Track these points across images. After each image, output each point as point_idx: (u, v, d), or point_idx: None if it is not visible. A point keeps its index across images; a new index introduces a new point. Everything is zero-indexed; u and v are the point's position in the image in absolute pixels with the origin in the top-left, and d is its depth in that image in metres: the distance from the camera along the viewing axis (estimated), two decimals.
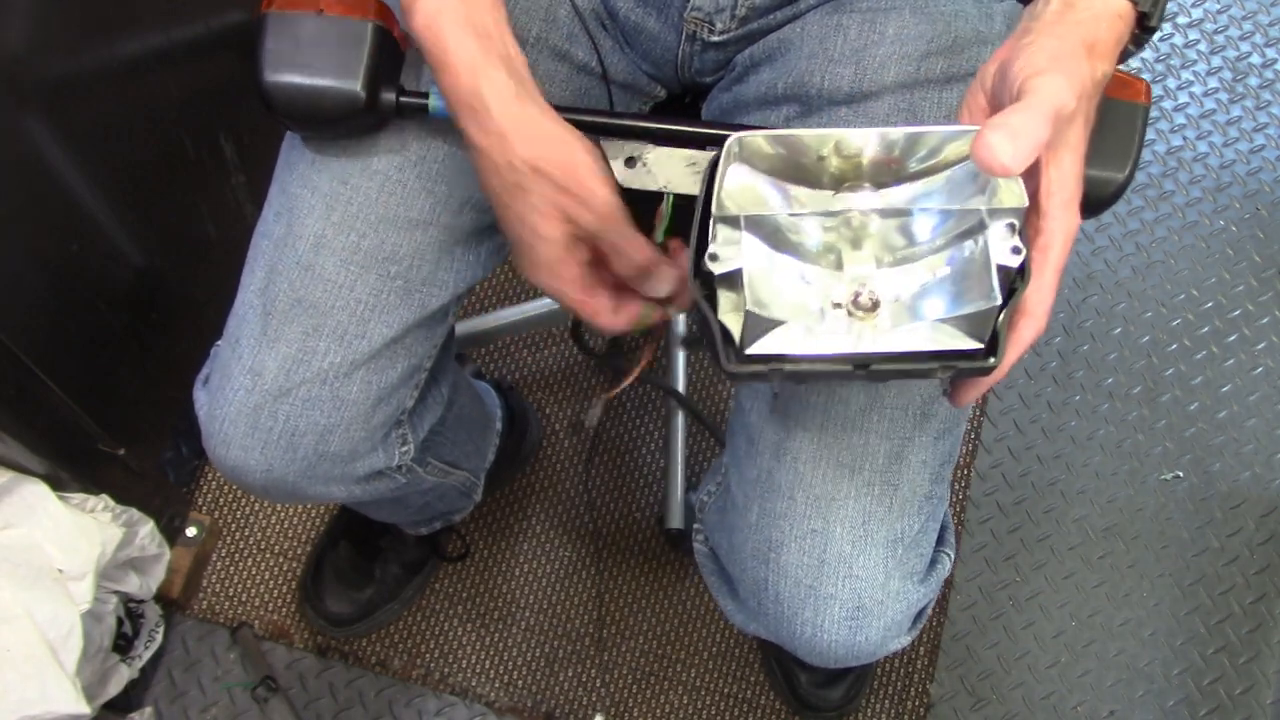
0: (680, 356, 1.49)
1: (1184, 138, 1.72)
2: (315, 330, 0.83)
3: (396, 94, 0.79)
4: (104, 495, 1.19)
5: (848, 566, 0.81)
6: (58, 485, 1.15)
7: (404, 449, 0.92)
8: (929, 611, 0.91)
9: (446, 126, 0.85)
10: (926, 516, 0.85)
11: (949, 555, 0.92)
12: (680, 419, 1.47)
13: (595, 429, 1.53)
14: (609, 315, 0.75)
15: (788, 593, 0.83)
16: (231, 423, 0.85)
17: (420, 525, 1.29)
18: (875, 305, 0.62)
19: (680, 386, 1.49)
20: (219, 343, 0.89)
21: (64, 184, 1.06)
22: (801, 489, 0.81)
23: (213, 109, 1.29)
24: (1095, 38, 0.64)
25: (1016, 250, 0.60)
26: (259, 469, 0.86)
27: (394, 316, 0.85)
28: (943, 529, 0.91)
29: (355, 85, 0.77)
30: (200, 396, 0.89)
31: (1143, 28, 0.67)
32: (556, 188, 0.70)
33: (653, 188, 0.78)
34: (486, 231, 0.89)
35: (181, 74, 1.21)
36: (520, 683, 1.43)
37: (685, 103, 0.99)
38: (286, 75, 0.77)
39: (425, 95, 0.78)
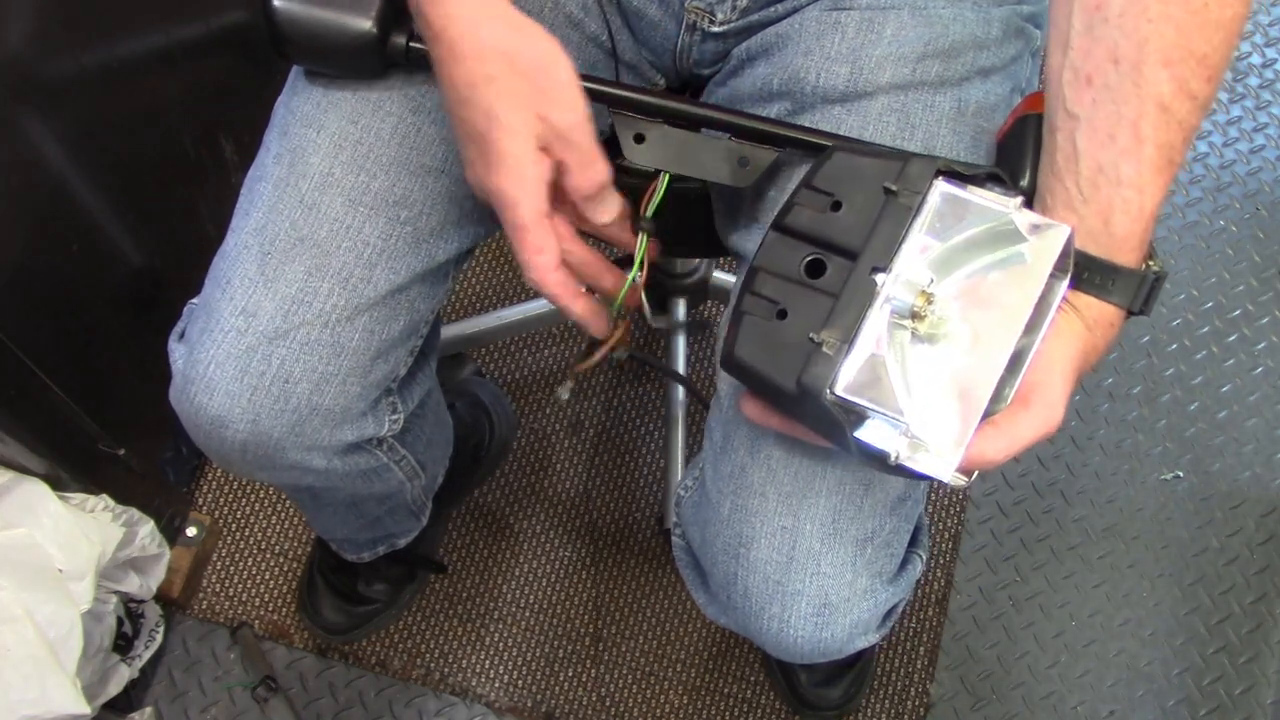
0: (681, 343, 1.47)
1: None
2: (318, 270, 0.80)
3: (408, 38, 0.76)
4: (104, 495, 1.19)
5: (816, 563, 0.81)
6: (58, 485, 1.15)
7: (394, 418, 0.89)
8: (900, 610, 0.91)
9: None
10: (900, 518, 0.84)
11: (921, 557, 0.92)
12: (680, 418, 1.47)
13: (591, 423, 1.53)
14: (552, 258, 0.70)
15: (756, 588, 0.82)
16: (219, 366, 0.80)
17: (363, 548, 1.23)
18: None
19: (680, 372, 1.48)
20: (194, 300, 0.86)
21: (64, 184, 1.07)
22: (774, 486, 0.81)
23: (213, 109, 1.30)
24: (1092, 347, 0.70)
25: None
26: (244, 419, 0.81)
27: (401, 264, 0.82)
28: (917, 530, 0.90)
29: (367, 23, 0.74)
30: (177, 349, 0.85)
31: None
32: (530, 82, 0.67)
33: (657, 166, 0.76)
34: None
35: (181, 74, 1.21)
36: (520, 683, 1.43)
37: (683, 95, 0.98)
38: (296, 2, 0.75)
39: None
